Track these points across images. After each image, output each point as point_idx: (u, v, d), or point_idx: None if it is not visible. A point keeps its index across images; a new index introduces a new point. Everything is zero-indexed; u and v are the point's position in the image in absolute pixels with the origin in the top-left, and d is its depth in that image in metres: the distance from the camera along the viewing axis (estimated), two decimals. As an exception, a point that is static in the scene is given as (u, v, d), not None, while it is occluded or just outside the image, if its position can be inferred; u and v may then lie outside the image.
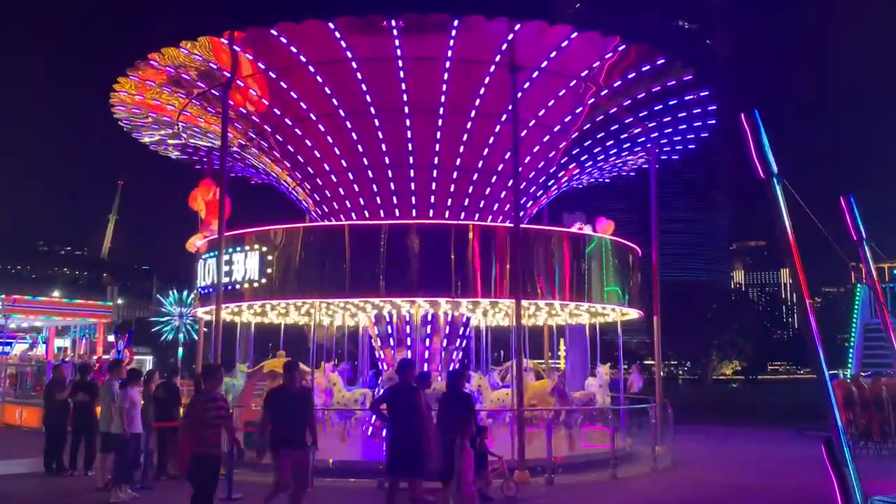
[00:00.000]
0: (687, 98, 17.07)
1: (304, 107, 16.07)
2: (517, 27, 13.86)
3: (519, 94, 14.68)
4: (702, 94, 17.16)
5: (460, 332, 18.18)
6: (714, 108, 17.90)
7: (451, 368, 16.75)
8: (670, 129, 18.71)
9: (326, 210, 18.16)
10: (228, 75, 15.46)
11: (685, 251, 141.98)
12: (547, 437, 13.37)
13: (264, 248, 15.48)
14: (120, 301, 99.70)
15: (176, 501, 11.79)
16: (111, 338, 33.01)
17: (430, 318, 17.44)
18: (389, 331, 17.69)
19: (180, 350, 36.29)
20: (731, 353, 70.93)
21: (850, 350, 31.57)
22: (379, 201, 17.24)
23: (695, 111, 17.81)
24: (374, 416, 15.19)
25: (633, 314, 18.45)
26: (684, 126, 18.63)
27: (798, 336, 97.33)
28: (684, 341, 68.27)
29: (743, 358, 73.17)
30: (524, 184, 17.23)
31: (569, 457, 14.52)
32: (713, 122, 18.76)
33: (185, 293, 36.55)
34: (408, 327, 17.44)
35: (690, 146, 20.69)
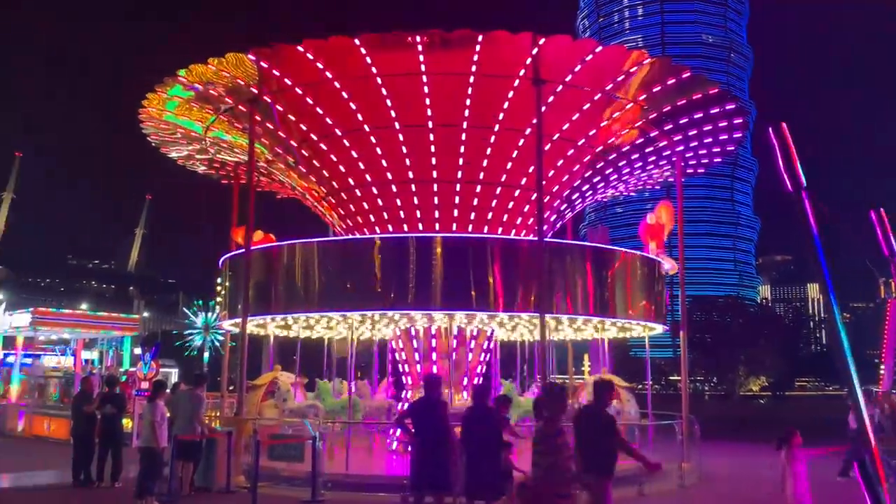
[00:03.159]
0: (713, 112, 16.97)
1: (330, 122, 16.21)
2: (541, 42, 13.87)
3: (543, 108, 14.69)
4: (728, 107, 17.05)
5: (484, 346, 18.18)
6: (740, 121, 17.78)
7: (475, 383, 16.71)
8: (696, 143, 18.60)
9: (351, 224, 18.26)
10: (255, 91, 15.64)
11: (711, 266, 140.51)
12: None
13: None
14: (146, 314, 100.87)
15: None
16: (137, 350, 33.36)
17: (453, 332, 17.44)
18: (415, 344, 17.73)
19: (205, 358, 36.63)
20: (758, 369, 69.92)
21: (881, 366, 30.98)
22: (403, 215, 17.32)
23: (721, 125, 17.69)
24: (397, 430, 15.19)
25: (659, 329, 18.31)
26: (710, 140, 18.52)
27: (826, 352, 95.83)
28: (710, 357, 67.52)
29: (770, 374, 72.07)
30: (548, 197, 17.22)
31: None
32: (739, 135, 18.63)
33: (212, 306, 36.96)
34: (433, 341, 17.48)
35: (717, 160, 20.55)
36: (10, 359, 27.98)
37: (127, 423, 18.56)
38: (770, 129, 6.68)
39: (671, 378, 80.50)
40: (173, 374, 41.51)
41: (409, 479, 10.22)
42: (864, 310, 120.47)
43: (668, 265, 17.79)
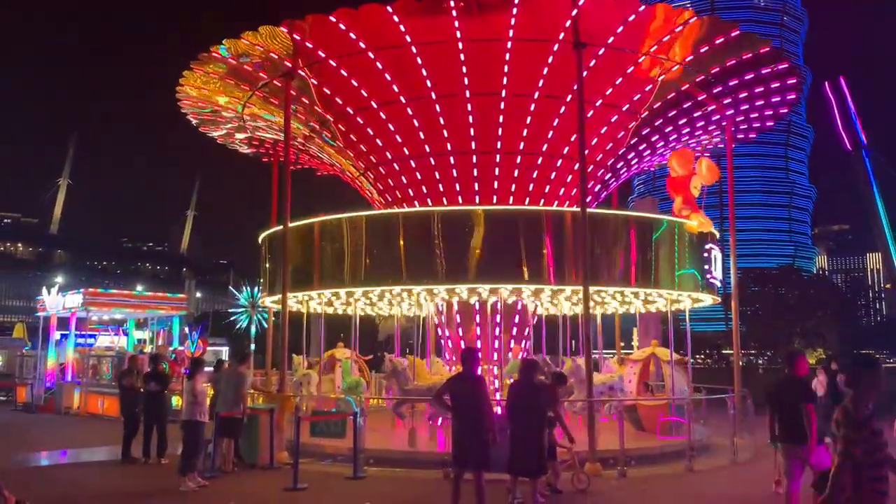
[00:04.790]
0: (764, 72, 16.19)
1: (365, 95, 15.93)
2: (581, 2, 13.33)
3: (584, 73, 14.15)
4: (780, 67, 16.25)
5: (526, 320, 17.85)
6: (793, 82, 16.96)
7: (522, 358, 16.39)
8: (747, 106, 17.82)
9: (390, 199, 18.04)
10: (289, 65, 15.43)
11: (765, 237, 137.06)
12: (619, 428, 12.91)
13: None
14: (199, 294, 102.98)
15: (243, 489, 11.86)
16: (186, 329, 33.93)
17: (496, 305, 17.13)
18: (458, 319, 17.49)
19: (252, 343, 37.10)
20: (815, 342, 68.00)
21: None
22: (441, 188, 17.01)
23: (773, 86, 16.89)
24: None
25: (707, 300, 17.68)
26: (762, 102, 17.72)
27: (887, 323, 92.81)
28: (764, 329, 65.90)
29: (828, 346, 70.06)
30: (591, 167, 16.69)
31: (642, 448, 14.02)
32: (792, 97, 17.79)
33: (257, 285, 37.39)
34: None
35: (769, 124, 19.71)
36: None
37: (177, 400, 18.80)
38: (827, 85, 6.17)
39: (724, 352, 78.97)
40: (224, 353, 42.21)
41: (451, 454, 10.02)
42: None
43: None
